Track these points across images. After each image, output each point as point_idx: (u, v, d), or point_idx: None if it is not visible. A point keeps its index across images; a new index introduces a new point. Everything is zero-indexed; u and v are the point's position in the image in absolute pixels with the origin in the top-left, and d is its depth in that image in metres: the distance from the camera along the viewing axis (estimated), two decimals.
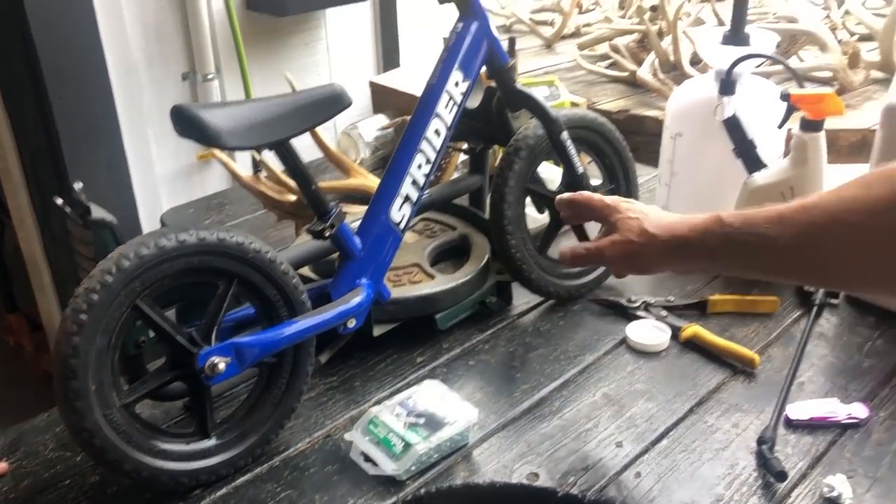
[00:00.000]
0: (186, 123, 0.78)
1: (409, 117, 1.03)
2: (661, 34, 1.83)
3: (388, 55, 2.10)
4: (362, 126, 1.52)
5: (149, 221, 1.80)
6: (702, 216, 0.71)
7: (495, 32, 1.03)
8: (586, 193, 0.89)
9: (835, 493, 0.78)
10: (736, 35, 1.18)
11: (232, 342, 0.81)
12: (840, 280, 0.71)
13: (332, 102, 0.87)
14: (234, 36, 1.78)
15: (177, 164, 1.88)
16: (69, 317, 0.71)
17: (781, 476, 0.81)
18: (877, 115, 1.07)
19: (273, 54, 1.94)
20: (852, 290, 1.00)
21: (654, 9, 1.96)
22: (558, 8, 2.29)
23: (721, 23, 1.91)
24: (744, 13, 1.18)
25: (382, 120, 1.54)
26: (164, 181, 1.87)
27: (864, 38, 1.92)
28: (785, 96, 1.10)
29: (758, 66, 1.46)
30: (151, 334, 0.81)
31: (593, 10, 2.39)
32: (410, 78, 1.65)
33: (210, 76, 1.85)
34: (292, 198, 1.22)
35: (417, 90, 1.01)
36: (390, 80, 1.67)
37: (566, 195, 0.89)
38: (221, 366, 0.79)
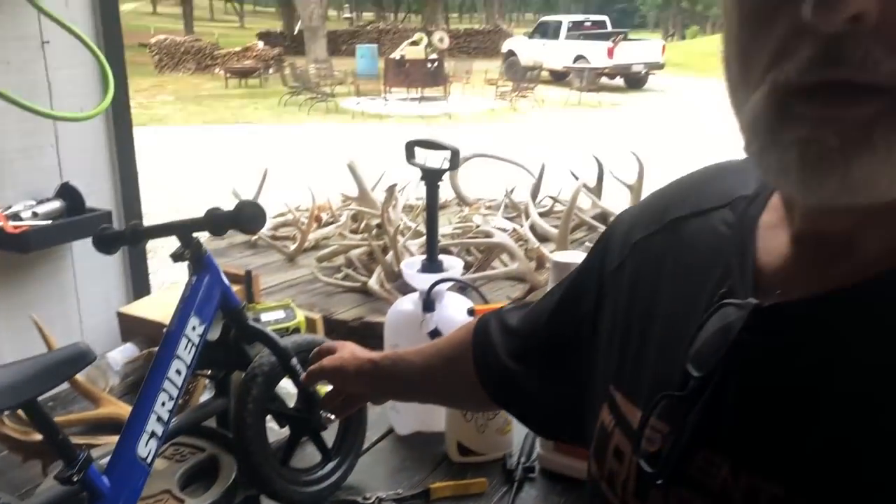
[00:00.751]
0: None
1: (156, 349, 1.16)
2: (385, 249, 2.13)
3: (138, 283, 2.21)
4: (111, 356, 1.61)
5: None
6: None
7: (226, 281, 1.21)
8: (324, 345, 1.14)
9: None
10: (431, 263, 1.47)
11: None
12: (440, 397, 1.07)
13: (76, 360, 0.99)
14: None
15: None
16: None
17: None
18: None
19: (18, 287, 1.97)
20: (452, 406, 1.30)
21: (379, 226, 2.27)
22: (298, 224, 2.56)
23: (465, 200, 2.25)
24: (435, 247, 1.47)
25: (131, 349, 1.64)
26: None
27: (546, 239, 2.36)
28: (471, 311, 1.38)
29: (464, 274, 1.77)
30: None
31: (332, 223, 2.69)
32: (159, 306, 1.77)
33: None
34: (38, 437, 1.26)
35: (165, 318, 1.15)
36: (139, 308, 1.78)
37: (313, 351, 1.13)
38: None
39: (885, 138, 0.40)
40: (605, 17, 22.59)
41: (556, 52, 19.83)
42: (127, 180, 2.25)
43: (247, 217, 1.09)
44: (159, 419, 1.09)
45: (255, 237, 2.59)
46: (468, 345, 0.90)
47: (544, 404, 0.81)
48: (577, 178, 2.61)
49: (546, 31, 21.05)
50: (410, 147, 1.50)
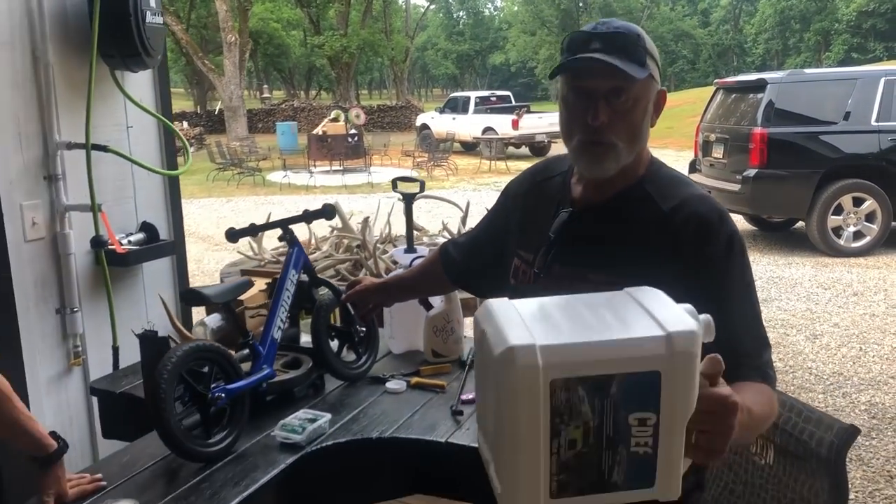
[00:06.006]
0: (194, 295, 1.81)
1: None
2: (365, 259, 3.12)
3: (181, 287, 3.13)
4: (208, 320, 2.52)
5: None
6: None
7: (305, 251, 2.18)
8: (352, 280, 2.08)
9: None
10: (409, 248, 2.48)
11: (223, 388, 1.79)
12: (423, 291, 2.10)
13: (245, 284, 1.95)
14: (105, 281, 2.71)
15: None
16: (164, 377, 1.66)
17: None
18: None
19: (123, 287, 2.86)
20: (430, 293, 2.26)
21: (358, 246, 3.26)
22: None
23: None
24: (412, 239, 2.49)
25: (217, 318, 2.55)
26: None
27: None
28: None
29: None
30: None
31: (314, 252, 3.65)
32: None
33: (75, 309, 2.71)
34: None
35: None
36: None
37: (347, 284, 2.05)
38: (220, 394, 1.77)
39: (612, 155, 1.42)
40: (509, 93, 24.44)
41: (466, 125, 21.37)
42: (176, 219, 3.19)
43: (328, 212, 2.09)
44: (280, 321, 2.05)
45: (263, 262, 3.53)
46: (437, 259, 1.91)
47: (485, 280, 1.82)
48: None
49: (456, 106, 22.64)
50: (394, 181, 2.53)
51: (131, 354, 2.81)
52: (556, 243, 1.53)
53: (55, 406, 2.70)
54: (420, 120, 24.41)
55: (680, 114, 24.13)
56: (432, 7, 62.91)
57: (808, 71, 9.16)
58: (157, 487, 1.70)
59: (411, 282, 2.04)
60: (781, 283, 7.02)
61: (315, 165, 17.40)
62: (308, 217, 2.13)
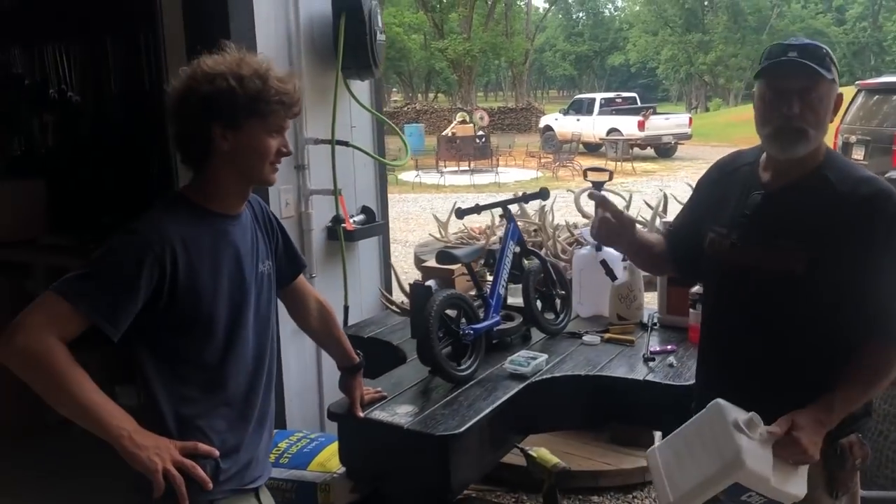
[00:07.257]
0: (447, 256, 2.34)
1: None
2: (544, 242, 3.60)
3: (385, 262, 3.70)
4: (428, 284, 3.06)
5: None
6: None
7: (484, 236, 2.68)
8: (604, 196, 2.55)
9: None
10: None
11: (470, 327, 2.31)
12: (645, 260, 2.51)
13: (478, 250, 2.47)
14: (342, 252, 3.32)
15: None
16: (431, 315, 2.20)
17: None
18: None
19: (351, 257, 3.45)
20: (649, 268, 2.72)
21: (535, 231, 3.75)
22: (475, 237, 4.04)
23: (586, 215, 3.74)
24: None
25: (434, 283, 3.08)
26: None
27: None
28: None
29: None
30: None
31: (490, 236, 4.16)
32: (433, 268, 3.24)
33: (313, 275, 3.32)
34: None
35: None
36: (431, 264, 3.26)
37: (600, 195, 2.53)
38: (469, 331, 2.29)
39: (803, 139, 1.80)
40: (635, 94, 24.44)
41: (591, 126, 21.55)
42: (384, 204, 3.78)
43: (544, 194, 2.58)
44: (503, 280, 2.55)
45: (450, 243, 4.08)
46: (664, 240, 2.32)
47: (691, 263, 2.22)
48: (651, 207, 4.09)
49: (580, 108, 22.86)
50: (584, 171, 2.99)
51: (356, 314, 3.42)
52: (752, 218, 1.93)
53: (296, 352, 3.31)
54: (543, 122, 24.76)
55: None
56: (552, 8, 62.93)
57: None
58: (422, 399, 2.23)
59: (650, 243, 2.22)
60: None
61: (445, 165, 18.07)
62: (525, 198, 2.63)
